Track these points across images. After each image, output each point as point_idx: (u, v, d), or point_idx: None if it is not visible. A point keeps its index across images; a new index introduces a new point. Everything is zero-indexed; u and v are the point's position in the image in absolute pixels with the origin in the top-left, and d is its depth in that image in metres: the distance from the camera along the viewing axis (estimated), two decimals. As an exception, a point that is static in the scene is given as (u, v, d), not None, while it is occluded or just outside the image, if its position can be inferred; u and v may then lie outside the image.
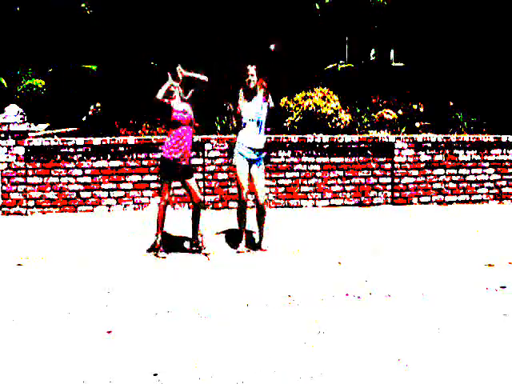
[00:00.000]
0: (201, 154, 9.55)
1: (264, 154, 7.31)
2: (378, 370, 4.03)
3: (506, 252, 7.15)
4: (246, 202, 7.17)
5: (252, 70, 7.08)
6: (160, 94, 6.90)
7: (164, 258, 6.87)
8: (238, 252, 7.10)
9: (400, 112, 12.62)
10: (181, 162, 6.95)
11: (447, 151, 10.31)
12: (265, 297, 5.54)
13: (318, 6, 15.02)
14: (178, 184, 7.57)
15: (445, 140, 10.30)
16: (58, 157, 9.34)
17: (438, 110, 13.09)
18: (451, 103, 13.36)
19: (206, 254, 7.04)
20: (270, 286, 5.86)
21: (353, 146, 9.97)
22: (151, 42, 14.61)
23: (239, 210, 7.20)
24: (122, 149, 9.46)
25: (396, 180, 10.04)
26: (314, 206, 9.87)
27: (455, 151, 10.34)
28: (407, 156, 10.09)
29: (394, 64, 16.21)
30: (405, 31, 15.42)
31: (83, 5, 14.68)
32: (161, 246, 6.97)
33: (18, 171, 9.20)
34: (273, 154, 9.69)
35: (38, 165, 9.29)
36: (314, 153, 9.87)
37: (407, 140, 10.12)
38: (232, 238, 7.64)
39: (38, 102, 14.17)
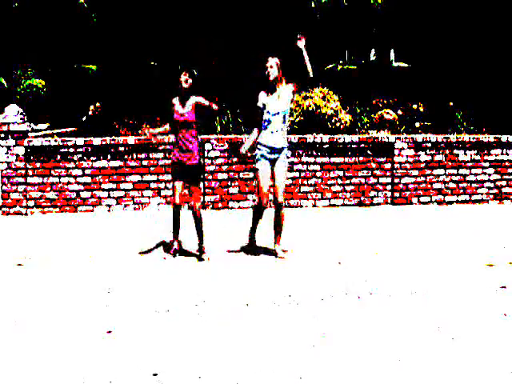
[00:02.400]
0: (201, 153, 9.54)
1: (287, 150, 6.89)
2: (378, 369, 4.03)
3: (506, 252, 7.15)
4: (265, 208, 6.89)
5: (272, 61, 6.74)
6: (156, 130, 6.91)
7: (164, 258, 6.88)
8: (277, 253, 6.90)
9: (400, 112, 12.62)
10: (186, 162, 6.79)
11: (447, 151, 10.31)
12: (265, 296, 5.53)
13: (313, 4, 15.02)
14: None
15: (445, 140, 10.30)
16: (58, 157, 9.34)
17: (438, 110, 13.10)
18: (451, 103, 13.36)
19: (204, 253, 7.02)
20: (270, 286, 5.86)
21: (353, 146, 9.97)
22: (151, 42, 14.61)
23: (257, 216, 6.94)
24: (122, 149, 9.46)
25: (396, 180, 10.04)
26: (314, 205, 9.87)
27: (455, 151, 10.34)
28: (407, 156, 10.09)
29: (394, 64, 16.21)
30: (405, 31, 15.41)
31: (81, 0, 14.68)
32: (172, 248, 6.96)
33: (18, 171, 9.21)
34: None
35: (38, 165, 9.30)
36: (314, 153, 9.87)
37: (407, 140, 10.13)
38: (233, 238, 7.64)
39: (38, 102, 14.18)
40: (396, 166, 10.05)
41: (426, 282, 6.00)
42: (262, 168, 6.76)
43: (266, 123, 6.73)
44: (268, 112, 6.73)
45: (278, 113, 6.72)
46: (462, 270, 6.44)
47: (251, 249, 7.14)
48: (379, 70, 15.62)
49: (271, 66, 6.75)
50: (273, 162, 6.79)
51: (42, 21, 14.99)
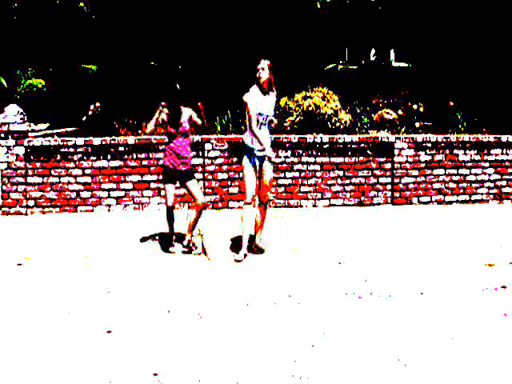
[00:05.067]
0: (201, 153, 9.55)
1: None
2: (377, 369, 4.03)
3: (506, 252, 7.16)
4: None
5: (264, 64, 6.70)
6: (149, 129, 7.08)
7: (172, 252, 7.08)
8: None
9: (400, 112, 12.62)
10: (178, 168, 7.06)
11: (447, 151, 10.31)
12: (265, 296, 5.54)
13: (319, 5, 15.03)
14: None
15: (445, 140, 10.30)
16: (58, 157, 9.34)
17: (438, 110, 13.10)
18: (451, 103, 13.36)
19: (205, 254, 7.04)
20: (270, 286, 5.86)
21: (353, 146, 9.97)
22: (151, 42, 14.61)
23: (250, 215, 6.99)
24: (121, 149, 9.46)
25: (396, 180, 10.04)
26: (314, 205, 9.87)
27: (455, 151, 10.34)
28: (407, 156, 10.09)
29: (394, 64, 16.22)
30: (405, 31, 15.42)
31: (81, 4, 14.69)
32: (172, 243, 7.22)
33: (18, 171, 9.20)
34: (273, 153, 9.69)
35: (38, 165, 9.29)
36: (314, 153, 9.87)
37: (407, 140, 10.12)
38: (233, 238, 7.64)
39: (38, 102, 14.18)
40: (396, 165, 10.05)
41: (426, 282, 6.00)
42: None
43: (260, 126, 6.78)
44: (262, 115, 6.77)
45: (268, 116, 6.79)
46: (462, 270, 6.44)
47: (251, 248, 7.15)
48: (379, 70, 15.63)
49: (262, 69, 6.72)
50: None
51: (42, 21, 15.00)
